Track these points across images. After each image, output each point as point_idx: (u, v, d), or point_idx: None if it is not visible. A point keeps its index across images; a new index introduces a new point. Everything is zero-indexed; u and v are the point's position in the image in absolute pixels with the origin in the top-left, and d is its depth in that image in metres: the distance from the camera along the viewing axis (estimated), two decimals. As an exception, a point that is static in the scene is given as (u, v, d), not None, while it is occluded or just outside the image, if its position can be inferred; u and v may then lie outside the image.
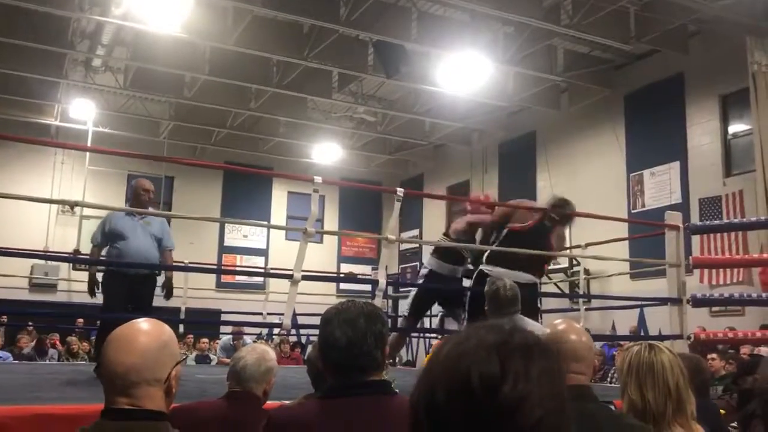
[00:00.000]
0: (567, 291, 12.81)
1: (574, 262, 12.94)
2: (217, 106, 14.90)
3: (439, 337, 7.53)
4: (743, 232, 10.52)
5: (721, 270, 10.80)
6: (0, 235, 12.94)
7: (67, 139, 15.12)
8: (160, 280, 6.02)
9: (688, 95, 12.13)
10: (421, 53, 12.29)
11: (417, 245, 17.99)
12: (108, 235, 5.75)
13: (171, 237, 6.02)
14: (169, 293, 6.04)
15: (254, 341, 10.11)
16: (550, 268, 12.57)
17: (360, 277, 15.79)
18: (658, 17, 10.93)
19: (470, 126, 16.15)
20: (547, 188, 14.47)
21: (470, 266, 6.08)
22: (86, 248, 13.51)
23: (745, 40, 10.44)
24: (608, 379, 9.28)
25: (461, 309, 5.74)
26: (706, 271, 10.73)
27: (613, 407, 2.24)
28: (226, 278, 17.15)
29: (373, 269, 18.11)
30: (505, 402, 0.83)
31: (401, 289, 14.13)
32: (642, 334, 10.80)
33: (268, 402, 2.96)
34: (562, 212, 5.88)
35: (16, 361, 9.88)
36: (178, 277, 6.37)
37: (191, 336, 11.90)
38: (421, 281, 6.40)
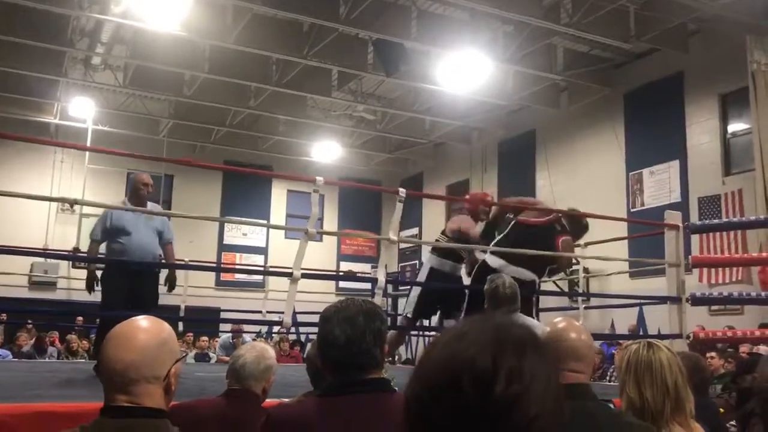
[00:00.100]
0: (566, 289, 12.81)
1: (574, 261, 12.93)
2: (216, 105, 14.89)
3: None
4: (742, 231, 10.53)
5: (720, 269, 10.81)
6: (0, 233, 12.93)
7: (67, 137, 15.12)
8: (162, 274, 6.00)
9: (687, 94, 12.13)
10: (420, 52, 12.29)
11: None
12: (110, 231, 5.67)
13: (171, 229, 5.99)
14: (171, 286, 6.01)
15: (253, 339, 10.12)
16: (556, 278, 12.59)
17: (359, 275, 15.81)
18: (657, 16, 10.93)
19: (470, 124, 16.15)
20: (546, 187, 14.49)
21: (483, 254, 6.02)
22: (86, 246, 13.58)
23: (745, 39, 10.44)
24: (607, 378, 9.28)
25: (459, 311, 5.73)
26: (705, 269, 10.73)
27: (612, 406, 2.24)
28: (225, 276, 17.17)
29: (372, 267, 18.12)
30: (498, 401, 0.82)
31: (401, 288, 14.12)
32: (641, 332, 10.80)
33: (268, 400, 2.96)
34: (576, 222, 5.95)
35: (16, 359, 9.87)
36: (177, 275, 6.34)
37: (191, 334, 11.90)
38: (423, 281, 6.41)
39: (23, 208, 14.98)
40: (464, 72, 11.93)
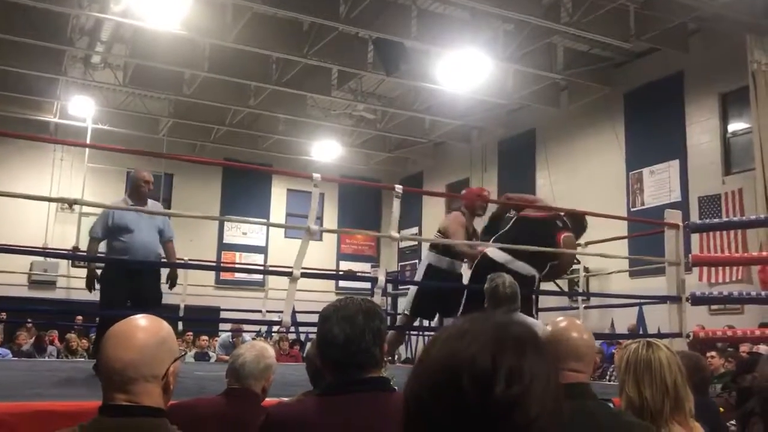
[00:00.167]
0: (566, 289, 12.81)
1: (574, 260, 12.93)
2: (216, 104, 14.89)
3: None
4: (742, 230, 10.53)
5: (720, 268, 10.81)
6: (-1, 232, 12.94)
7: (67, 135, 15.11)
8: (163, 273, 5.98)
9: (687, 93, 12.13)
10: (420, 51, 12.28)
11: (416, 243, 17.99)
12: (111, 229, 5.61)
13: (171, 227, 5.97)
14: (173, 283, 5.98)
15: (253, 338, 10.12)
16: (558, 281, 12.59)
17: (359, 274, 15.82)
18: (658, 15, 10.93)
19: (470, 123, 16.16)
20: (546, 186, 14.49)
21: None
22: (85, 245, 13.58)
23: (745, 39, 10.44)
24: (607, 377, 9.28)
25: (458, 308, 5.70)
26: (705, 269, 10.73)
27: (611, 405, 2.24)
28: (225, 275, 17.18)
29: (372, 267, 18.13)
30: (498, 402, 0.81)
31: (400, 287, 14.12)
32: (641, 332, 10.80)
33: (267, 399, 2.96)
34: (578, 221, 5.96)
35: (15, 358, 9.87)
36: (177, 274, 6.32)
37: (191, 333, 11.90)
38: (420, 277, 6.38)
39: (23, 207, 14.98)
40: (464, 71, 11.93)
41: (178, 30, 11.09)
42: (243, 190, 17.78)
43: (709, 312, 10.38)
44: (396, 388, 1.92)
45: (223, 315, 12.39)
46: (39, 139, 9.67)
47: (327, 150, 17.30)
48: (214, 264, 16.43)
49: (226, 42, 11.60)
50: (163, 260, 6.08)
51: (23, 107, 15.03)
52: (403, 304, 6.52)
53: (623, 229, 11.32)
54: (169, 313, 7.04)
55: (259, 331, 13.15)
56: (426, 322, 7.08)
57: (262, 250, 18.40)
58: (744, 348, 7.77)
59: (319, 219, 17.67)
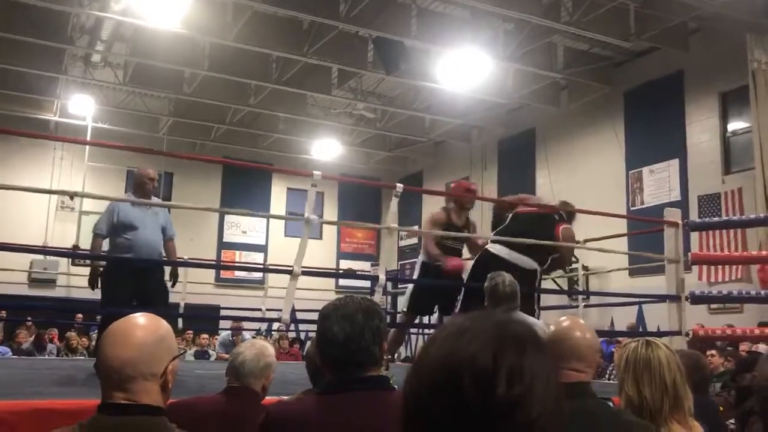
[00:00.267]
0: (566, 287, 12.82)
1: (573, 258, 12.94)
2: (216, 102, 14.88)
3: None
4: (742, 229, 10.52)
5: (719, 267, 10.81)
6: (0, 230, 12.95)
7: (67, 134, 15.05)
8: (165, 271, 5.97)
9: (687, 93, 12.13)
10: (420, 50, 12.28)
11: (416, 241, 17.99)
12: (116, 226, 5.59)
13: (173, 226, 5.98)
14: (174, 281, 5.97)
15: (253, 337, 10.13)
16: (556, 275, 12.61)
17: (359, 273, 15.82)
18: (658, 14, 10.93)
19: (470, 123, 16.15)
20: (546, 185, 14.48)
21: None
22: (85, 244, 13.58)
23: (746, 38, 10.43)
24: (606, 376, 9.28)
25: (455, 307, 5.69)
26: (704, 268, 10.74)
27: (611, 403, 2.24)
28: (225, 274, 17.17)
29: (372, 265, 18.13)
30: (499, 401, 0.81)
31: (400, 285, 14.12)
32: (640, 330, 10.80)
33: (267, 397, 2.96)
34: (569, 213, 5.98)
35: (15, 356, 9.88)
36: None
37: (191, 331, 11.91)
38: (417, 276, 6.39)
39: (23, 205, 14.99)
40: (464, 70, 11.92)
41: (178, 29, 11.08)
42: (243, 189, 17.78)
43: (709, 311, 10.38)
44: (396, 386, 1.93)
45: (223, 313, 12.39)
46: (39, 137, 9.67)
47: (327, 149, 17.29)
48: (214, 262, 16.43)
49: (227, 41, 11.60)
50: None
51: (23, 106, 15.02)
52: (402, 302, 6.53)
53: (623, 227, 11.31)
54: (169, 311, 7.05)
55: (259, 329, 13.15)
56: (426, 320, 7.08)
57: (262, 248, 18.40)
58: (743, 347, 7.78)
59: (320, 217, 17.66)
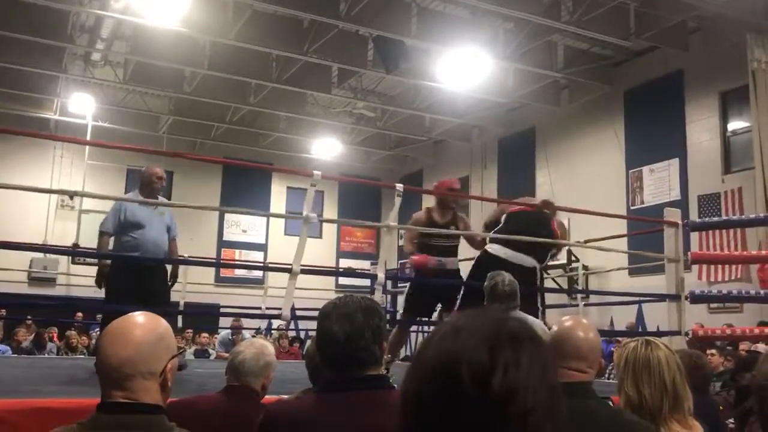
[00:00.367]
0: (566, 286, 12.83)
1: (573, 257, 12.96)
2: (216, 101, 14.88)
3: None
4: (742, 229, 10.52)
5: (719, 267, 10.82)
6: (-1, 228, 12.96)
7: (67, 133, 15.10)
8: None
9: (687, 92, 12.13)
10: (421, 49, 12.27)
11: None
12: (123, 224, 5.56)
13: (176, 226, 5.98)
14: (174, 281, 5.97)
15: (253, 336, 10.13)
16: (550, 263, 12.63)
17: (359, 272, 15.81)
18: (658, 14, 10.93)
19: (470, 122, 16.15)
20: (546, 184, 14.49)
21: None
22: (85, 242, 13.60)
23: (746, 38, 10.43)
24: (606, 375, 9.29)
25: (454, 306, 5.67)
26: (704, 267, 10.75)
27: (610, 403, 2.24)
28: (225, 273, 17.18)
29: (372, 264, 18.13)
30: (495, 393, 0.82)
31: (400, 284, 14.13)
32: (640, 330, 10.81)
33: (267, 396, 2.96)
34: (553, 207, 6.04)
35: (15, 355, 9.88)
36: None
37: (190, 330, 11.91)
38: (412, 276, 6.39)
39: (23, 203, 14.99)
40: (464, 69, 11.93)
41: (178, 27, 11.08)
42: (243, 188, 17.78)
43: (709, 310, 10.39)
44: (395, 385, 1.93)
45: (223, 312, 12.38)
46: (38, 136, 9.67)
47: (327, 148, 17.30)
48: (213, 261, 16.42)
49: (227, 39, 11.59)
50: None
51: (23, 104, 15.02)
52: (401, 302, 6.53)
53: (623, 227, 11.33)
54: (169, 310, 7.04)
55: (259, 328, 13.17)
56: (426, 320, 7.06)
57: (262, 247, 18.41)
58: (744, 347, 7.78)
59: (319, 216, 17.66)
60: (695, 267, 10.08)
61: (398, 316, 6.84)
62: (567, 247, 12.31)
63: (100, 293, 5.66)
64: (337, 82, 14.35)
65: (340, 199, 19.63)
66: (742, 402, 4.34)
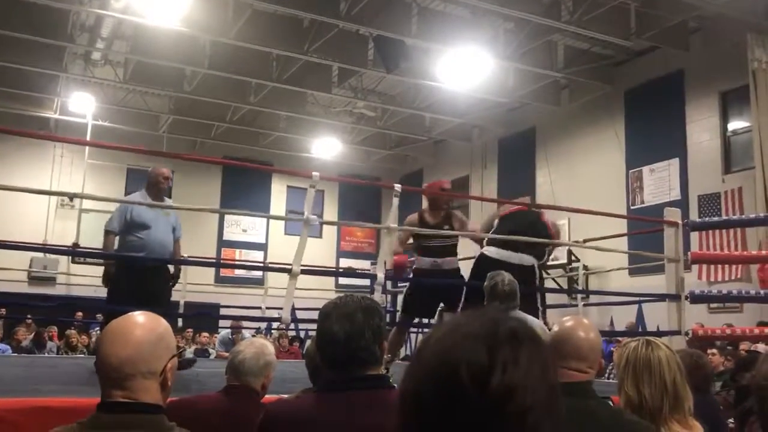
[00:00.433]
0: (566, 286, 12.83)
1: (573, 257, 12.96)
2: (216, 101, 14.88)
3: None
4: (742, 229, 10.52)
5: (719, 267, 10.81)
6: (-1, 228, 12.96)
7: (67, 132, 15.11)
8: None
9: (688, 92, 12.12)
10: (421, 48, 12.27)
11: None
12: (129, 224, 5.53)
13: (180, 227, 5.97)
14: (175, 281, 5.95)
15: (253, 335, 10.13)
16: (551, 263, 12.64)
17: (359, 271, 15.80)
18: (658, 14, 10.93)
19: (470, 122, 16.15)
20: (546, 184, 14.50)
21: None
22: (85, 242, 13.59)
23: (746, 38, 10.43)
24: (606, 375, 9.28)
25: (457, 304, 5.68)
26: (704, 267, 10.74)
27: (610, 403, 2.24)
28: (225, 272, 17.18)
29: (372, 264, 18.12)
30: (494, 392, 0.82)
31: (400, 284, 14.13)
32: (640, 330, 10.81)
33: (267, 396, 2.96)
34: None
35: (15, 354, 9.88)
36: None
37: (191, 330, 11.90)
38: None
39: (23, 203, 14.98)
40: (465, 69, 11.93)
41: (178, 27, 11.08)
42: (243, 187, 17.77)
43: (709, 310, 10.38)
44: (395, 385, 1.92)
45: (223, 312, 12.38)
46: (38, 136, 9.67)
47: (327, 147, 17.30)
48: (213, 261, 16.42)
49: (227, 39, 11.59)
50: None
51: (24, 104, 15.02)
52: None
53: (623, 227, 11.33)
54: (169, 310, 7.04)
55: (259, 328, 13.16)
56: (426, 320, 7.06)
57: (262, 247, 18.40)
58: (744, 347, 7.78)
59: (319, 216, 17.66)
60: (695, 267, 10.08)
61: (398, 317, 6.84)
62: (566, 247, 12.34)
63: (100, 292, 5.66)
64: (337, 82, 14.35)
65: (340, 198, 19.63)
66: (742, 402, 4.34)
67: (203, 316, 13.80)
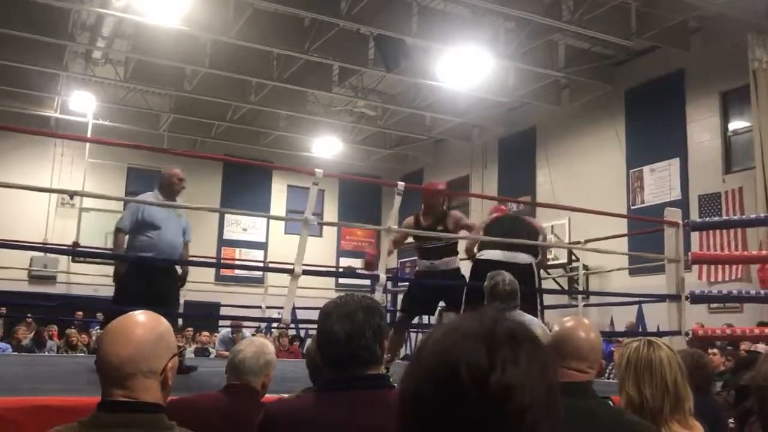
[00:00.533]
0: (566, 287, 12.82)
1: (573, 257, 12.96)
2: (217, 100, 14.88)
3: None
4: (742, 229, 10.52)
5: (719, 267, 10.81)
6: (-1, 227, 12.96)
7: (67, 131, 15.11)
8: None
9: (688, 92, 12.12)
10: (421, 48, 12.27)
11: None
12: (140, 223, 5.51)
13: (191, 230, 5.98)
14: (183, 284, 5.94)
15: (253, 334, 10.12)
16: (551, 263, 12.64)
17: (359, 271, 15.81)
18: (659, 13, 10.93)
19: (470, 121, 16.15)
20: (547, 184, 14.50)
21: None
22: (85, 241, 13.59)
23: (746, 38, 10.43)
24: (605, 375, 9.28)
25: (458, 305, 5.69)
26: (704, 267, 10.74)
27: (611, 403, 2.24)
28: (225, 271, 17.16)
29: (372, 263, 18.12)
30: (493, 392, 0.83)
31: (400, 284, 14.13)
32: (640, 330, 10.81)
33: (267, 395, 2.96)
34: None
35: (15, 353, 9.88)
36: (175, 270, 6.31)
37: (191, 329, 11.91)
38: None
39: (23, 201, 14.98)
40: (465, 68, 11.92)
41: (179, 26, 11.08)
42: (244, 186, 17.77)
43: (709, 310, 10.38)
44: (395, 385, 1.92)
45: (223, 311, 12.39)
46: (39, 133, 9.66)
47: (327, 146, 17.30)
48: (214, 260, 16.42)
49: (228, 38, 11.59)
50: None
51: (24, 102, 15.02)
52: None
53: (623, 227, 11.32)
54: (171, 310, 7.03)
55: (259, 326, 13.17)
56: (426, 320, 7.07)
57: (263, 246, 18.40)
58: (745, 347, 7.78)
59: (319, 215, 17.67)
60: (695, 267, 10.07)
61: (398, 316, 6.86)
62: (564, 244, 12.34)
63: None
64: (337, 81, 14.35)
65: (340, 198, 19.62)
66: (742, 402, 4.33)
67: (203, 315, 13.81)
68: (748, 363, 5.38)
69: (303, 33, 12.09)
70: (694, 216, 11.01)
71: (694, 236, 10.60)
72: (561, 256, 12.92)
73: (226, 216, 18.38)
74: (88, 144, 15.87)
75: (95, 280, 11.62)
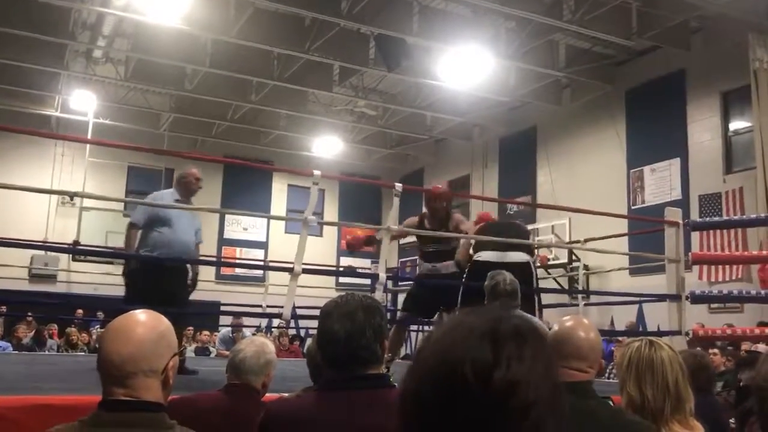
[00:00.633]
0: (566, 286, 12.82)
1: (574, 257, 12.95)
2: (217, 99, 14.88)
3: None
4: (743, 229, 10.52)
5: (720, 267, 10.81)
6: (0, 225, 12.94)
7: (68, 130, 15.11)
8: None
9: (689, 92, 12.12)
10: (422, 47, 12.27)
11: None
12: (154, 219, 5.51)
13: (201, 231, 5.99)
14: (194, 286, 5.93)
15: (253, 334, 10.12)
16: (552, 262, 12.63)
17: (359, 270, 15.81)
18: (660, 13, 10.92)
19: (471, 121, 16.15)
20: (547, 183, 14.49)
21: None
22: (86, 240, 13.59)
23: (747, 38, 10.43)
24: (606, 375, 9.28)
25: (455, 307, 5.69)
26: (705, 267, 10.73)
27: (611, 403, 2.24)
28: (225, 270, 17.16)
29: (372, 263, 18.12)
30: (497, 388, 0.82)
31: (400, 283, 14.13)
32: (640, 329, 10.81)
33: (268, 394, 2.96)
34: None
35: (15, 352, 9.88)
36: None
37: (191, 328, 11.89)
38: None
39: (23, 200, 14.97)
40: (466, 68, 11.92)
41: (179, 25, 11.08)
42: (244, 185, 17.77)
43: (709, 310, 10.38)
44: (396, 384, 1.92)
45: (224, 310, 12.38)
46: (40, 134, 9.66)
47: (328, 146, 17.30)
48: (214, 259, 16.42)
49: (228, 37, 11.59)
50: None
51: (25, 101, 15.01)
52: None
53: (623, 227, 11.32)
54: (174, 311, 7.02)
55: (259, 326, 13.16)
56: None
57: (263, 245, 18.39)
58: (745, 347, 7.78)
59: (320, 215, 17.67)
60: (696, 267, 10.07)
61: (398, 316, 6.87)
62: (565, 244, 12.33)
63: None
64: (338, 80, 14.34)
65: (340, 197, 19.62)
66: (742, 402, 4.34)
67: (203, 313, 13.80)
68: (748, 363, 5.38)
69: (303, 32, 12.09)
70: (695, 216, 11.01)
71: (695, 236, 10.60)
72: (561, 256, 12.92)
73: (227, 215, 18.38)
74: (88, 144, 15.86)
75: (95, 278, 11.65)
